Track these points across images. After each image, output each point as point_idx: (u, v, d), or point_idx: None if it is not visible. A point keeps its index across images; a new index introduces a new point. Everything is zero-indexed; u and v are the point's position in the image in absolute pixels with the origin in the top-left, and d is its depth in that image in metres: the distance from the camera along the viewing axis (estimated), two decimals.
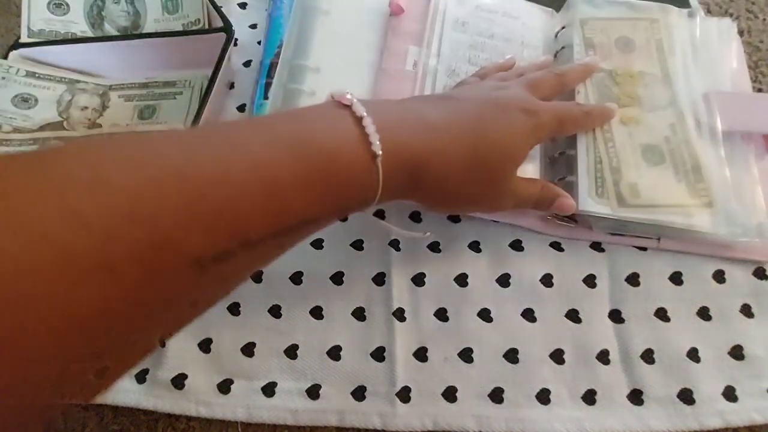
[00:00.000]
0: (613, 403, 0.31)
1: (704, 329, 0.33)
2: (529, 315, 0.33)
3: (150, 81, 0.43)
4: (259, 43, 0.43)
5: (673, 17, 0.39)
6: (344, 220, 0.36)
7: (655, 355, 0.32)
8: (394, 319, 0.33)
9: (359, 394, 0.32)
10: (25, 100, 0.42)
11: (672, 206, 0.33)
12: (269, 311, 0.34)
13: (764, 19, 0.45)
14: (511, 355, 0.32)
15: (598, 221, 0.33)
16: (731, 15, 0.45)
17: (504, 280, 0.34)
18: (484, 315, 0.33)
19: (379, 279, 0.34)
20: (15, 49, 0.42)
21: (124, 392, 0.32)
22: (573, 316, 0.33)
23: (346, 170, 0.22)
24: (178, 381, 0.32)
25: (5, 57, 0.42)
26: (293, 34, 0.38)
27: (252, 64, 0.43)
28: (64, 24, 0.44)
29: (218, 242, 0.18)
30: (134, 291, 0.16)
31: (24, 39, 0.43)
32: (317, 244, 0.36)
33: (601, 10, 0.39)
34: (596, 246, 0.35)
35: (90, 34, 0.44)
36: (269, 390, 0.32)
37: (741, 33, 0.43)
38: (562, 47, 0.39)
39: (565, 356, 0.32)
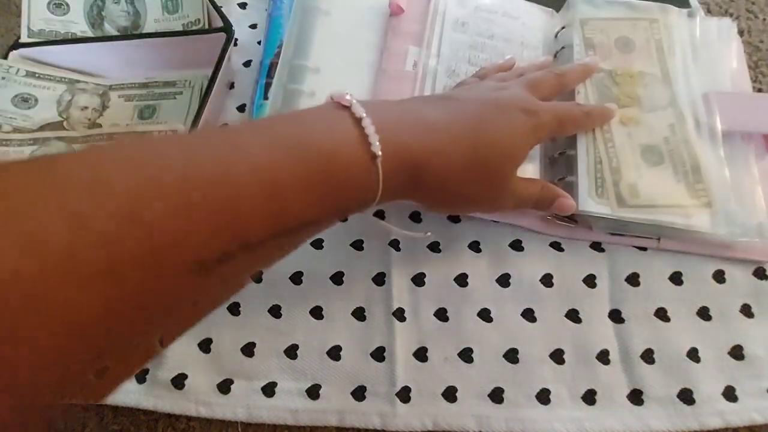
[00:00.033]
0: (613, 403, 0.31)
1: (704, 329, 0.33)
2: (529, 315, 0.33)
3: (150, 81, 0.43)
4: (259, 43, 0.43)
5: (673, 17, 0.39)
6: (344, 220, 0.36)
7: (655, 355, 0.32)
8: (394, 319, 0.33)
9: (359, 394, 0.32)
10: (25, 100, 0.42)
11: (671, 206, 0.33)
12: (269, 311, 0.34)
13: (764, 19, 0.45)
14: (511, 355, 0.32)
15: (598, 221, 0.33)
16: (731, 15, 0.45)
17: (504, 280, 0.34)
18: (484, 315, 0.33)
19: (379, 279, 0.34)
20: (15, 49, 0.42)
21: (124, 392, 0.32)
22: (573, 316, 0.33)
23: (345, 171, 0.22)
24: (178, 381, 0.32)
25: (5, 57, 0.42)
26: (293, 34, 0.38)
27: (252, 64, 0.43)
28: (64, 24, 0.44)
29: (219, 244, 0.18)
30: (135, 292, 0.16)
31: (24, 39, 0.43)
32: (317, 244, 0.36)
33: (601, 10, 0.39)
34: (596, 246, 0.35)
35: (90, 34, 0.44)
36: (269, 390, 0.32)
37: (741, 33, 0.43)
38: (562, 47, 0.39)
39: (565, 356, 0.32)
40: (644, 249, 0.34)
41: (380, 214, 0.36)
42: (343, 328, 0.33)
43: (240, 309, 0.34)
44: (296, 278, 0.35)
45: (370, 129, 0.23)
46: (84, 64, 0.44)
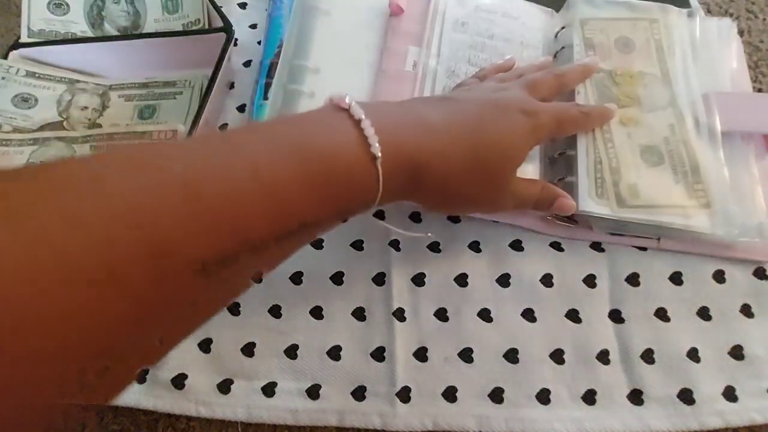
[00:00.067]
0: (613, 403, 0.31)
1: (704, 329, 0.33)
2: (529, 315, 0.33)
3: (150, 81, 0.43)
4: (259, 43, 0.43)
5: (673, 17, 0.39)
6: (344, 220, 0.36)
7: (655, 355, 0.32)
8: (394, 319, 0.33)
9: (359, 394, 0.32)
10: (25, 100, 0.42)
11: (671, 207, 0.33)
12: (269, 311, 0.34)
13: (764, 19, 0.45)
14: (511, 355, 0.32)
15: (597, 221, 0.33)
16: (731, 15, 0.45)
17: (504, 280, 0.34)
18: (484, 315, 0.33)
19: (379, 279, 0.34)
20: (15, 49, 0.42)
21: (124, 392, 0.32)
22: (573, 316, 0.33)
23: (346, 173, 0.22)
24: (178, 381, 0.32)
25: (5, 57, 0.42)
26: (293, 34, 0.38)
27: (252, 64, 0.43)
28: (64, 24, 0.44)
29: (219, 246, 0.18)
30: (135, 294, 0.16)
31: (24, 39, 0.43)
32: (317, 244, 0.36)
33: (601, 10, 0.39)
34: (596, 246, 0.35)
35: (90, 34, 0.44)
36: (269, 390, 0.32)
37: (741, 33, 0.43)
38: (562, 47, 0.39)
39: (565, 356, 0.32)
40: (644, 249, 0.34)
41: (380, 215, 0.36)
42: (343, 328, 0.33)
43: (240, 309, 0.34)
44: (296, 278, 0.35)
45: (369, 130, 0.23)
46: (84, 64, 0.44)
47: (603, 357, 0.32)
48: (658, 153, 0.34)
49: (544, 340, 0.32)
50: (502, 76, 0.35)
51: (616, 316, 0.33)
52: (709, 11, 0.45)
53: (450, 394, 0.31)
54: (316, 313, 0.34)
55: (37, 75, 0.42)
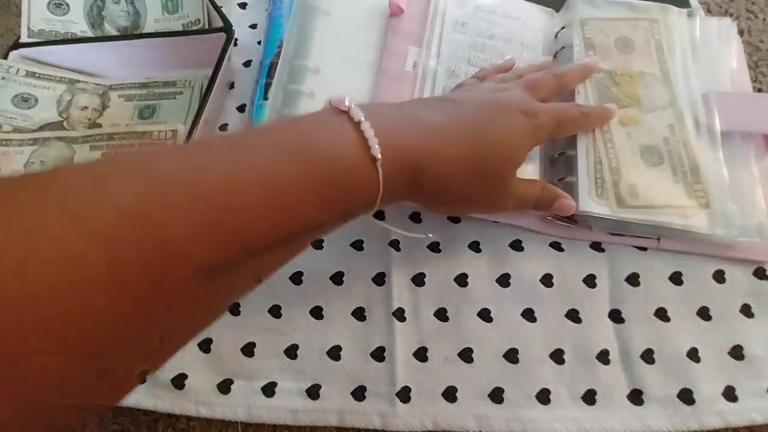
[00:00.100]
0: (613, 403, 0.31)
1: (704, 329, 0.33)
2: (529, 315, 0.33)
3: (150, 81, 0.43)
4: (259, 43, 0.43)
5: (673, 17, 0.39)
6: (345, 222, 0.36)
7: (655, 355, 0.32)
8: (394, 319, 0.33)
9: (359, 394, 0.32)
10: (25, 100, 0.42)
11: (670, 207, 0.33)
12: (269, 311, 0.34)
13: (764, 19, 0.45)
14: (511, 355, 0.32)
15: (597, 221, 0.33)
16: (731, 15, 0.45)
17: (504, 280, 0.34)
18: (484, 315, 0.33)
19: (379, 279, 0.34)
20: (15, 49, 0.42)
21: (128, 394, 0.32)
22: (573, 316, 0.33)
23: (346, 175, 0.22)
24: (178, 381, 0.32)
25: (5, 57, 0.42)
26: (293, 34, 0.38)
27: (252, 64, 0.43)
28: (64, 24, 0.44)
29: (223, 250, 0.18)
30: (138, 297, 0.16)
31: (24, 39, 0.43)
32: (317, 244, 0.36)
33: (601, 10, 0.39)
34: (596, 246, 0.35)
35: (90, 34, 0.44)
36: (269, 390, 0.32)
37: (741, 33, 0.43)
38: (562, 47, 0.39)
39: (565, 356, 0.32)
40: (644, 249, 0.34)
41: (380, 215, 0.36)
42: (343, 328, 0.33)
43: (240, 309, 0.34)
44: (296, 278, 0.35)
45: (369, 132, 0.23)
46: (84, 64, 0.44)
47: (603, 357, 0.32)
48: (658, 153, 0.34)
49: (544, 340, 0.32)
50: (502, 76, 0.35)
51: (616, 316, 0.33)
52: (709, 11, 0.45)
53: (450, 394, 0.31)
54: (316, 313, 0.34)
55: (37, 75, 0.42)
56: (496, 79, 0.34)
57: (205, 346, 0.33)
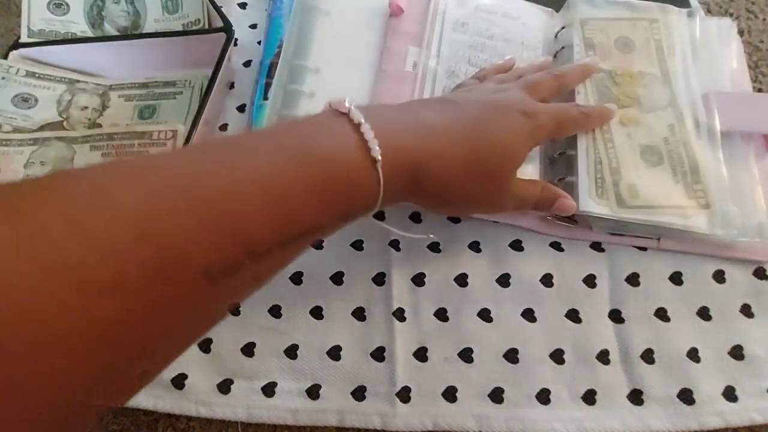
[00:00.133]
0: (613, 403, 0.31)
1: (704, 329, 0.33)
2: (529, 315, 0.33)
3: (150, 81, 0.43)
4: (259, 43, 0.43)
5: (673, 17, 0.39)
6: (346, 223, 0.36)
7: (655, 355, 0.32)
8: (394, 319, 0.33)
9: (359, 394, 0.32)
10: (25, 100, 0.42)
11: (670, 207, 0.33)
12: (269, 311, 0.34)
13: (764, 19, 0.45)
14: (511, 355, 0.32)
15: (597, 221, 0.33)
16: (731, 15, 0.45)
17: (504, 280, 0.34)
18: (484, 315, 0.33)
19: (379, 279, 0.34)
20: (15, 49, 0.42)
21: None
22: (573, 316, 0.33)
23: (347, 177, 0.22)
24: (178, 381, 0.32)
25: (5, 57, 0.42)
26: (293, 34, 0.38)
27: (252, 64, 0.43)
28: (64, 24, 0.44)
29: (226, 255, 0.18)
30: (144, 304, 0.16)
31: (24, 39, 0.43)
32: (317, 244, 0.36)
33: (601, 10, 0.39)
34: (596, 246, 0.35)
35: (90, 34, 0.44)
36: (269, 390, 0.32)
37: (741, 33, 0.43)
38: (562, 47, 0.39)
39: (565, 356, 0.32)
40: (644, 249, 0.34)
41: (380, 215, 0.36)
42: (343, 328, 0.33)
43: (240, 309, 0.34)
44: (296, 278, 0.35)
45: (369, 134, 0.23)
46: (84, 64, 0.44)
47: (603, 357, 0.32)
48: (658, 153, 0.34)
49: (544, 340, 0.32)
50: (502, 76, 0.35)
51: (616, 316, 0.33)
52: (709, 11, 0.45)
53: (450, 394, 0.31)
54: (316, 313, 0.34)
55: (37, 75, 0.42)
56: (495, 79, 0.34)
57: (205, 346, 0.33)
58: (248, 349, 0.33)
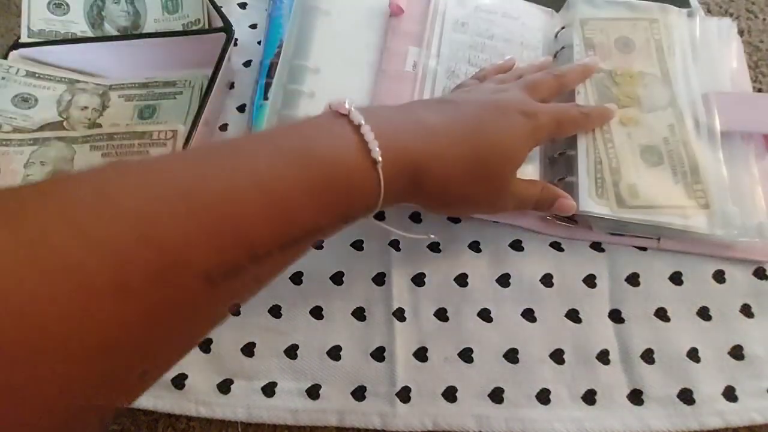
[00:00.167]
0: (613, 403, 0.31)
1: (704, 329, 0.33)
2: (529, 315, 0.33)
3: (150, 81, 0.43)
4: (259, 43, 0.43)
5: (673, 17, 0.39)
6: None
7: (655, 355, 0.32)
8: (394, 319, 0.33)
9: (359, 394, 0.32)
10: (25, 100, 0.42)
11: (670, 207, 0.33)
12: (269, 311, 0.34)
13: (764, 19, 0.45)
14: (511, 355, 0.32)
15: (597, 221, 0.33)
16: (731, 15, 0.45)
17: (504, 280, 0.34)
18: (484, 315, 0.33)
19: (379, 279, 0.34)
20: (15, 49, 0.42)
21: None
22: (573, 316, 0.33)
23: (347, 178, 0.22)
24: (178, 381, 0.32)
25: (5, 57, 0.42)
26: (293, 34, 0.38)
27: (252, 64, 0.43)
28: (64, 24, 0.44)
29: (227, 257, 0.18)
30: (146, 307, 0.16)
31: (24, 39, 0.43)
32: (317, 245, 0.35)
33: (601, 10, 0.39)
34: (596, 246, 0.35)
35: (90, 34, 0.44)
36: (269, 390, 0.32)
37: (741, 33, 0.43)
38: (562, 47, 0.39)
39: (565, 356, 0.32)
40: (644, 249, 0.34)
41: (380, 216, 0.36)
42: (343, 328, 0.33)
43: (240, 309, 0.34)
44: (296, 278, 0.35)
45: (369, 135, 0.23)
46: (84, 64, 0.44)
47: (603, 357, 0.32)
48: (658, 153, 0.34)
49: (544, 340, 0.32)
50: (502, 77, 0.35)
51: (616, 316, 0.33)
52: (709, 11, 0.45)
53: (450, 394, 0.31)
54: (316, 313, 0.34)
55: (37, 75, 0.42)
56: (495, 79, 0.34)
57: (205, 346, 0.33)
58: (248, 349, 0.33)
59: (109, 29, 0.44)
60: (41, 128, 0.41)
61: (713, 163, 0.34)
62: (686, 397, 0.31)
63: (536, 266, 0.34)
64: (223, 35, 0.40)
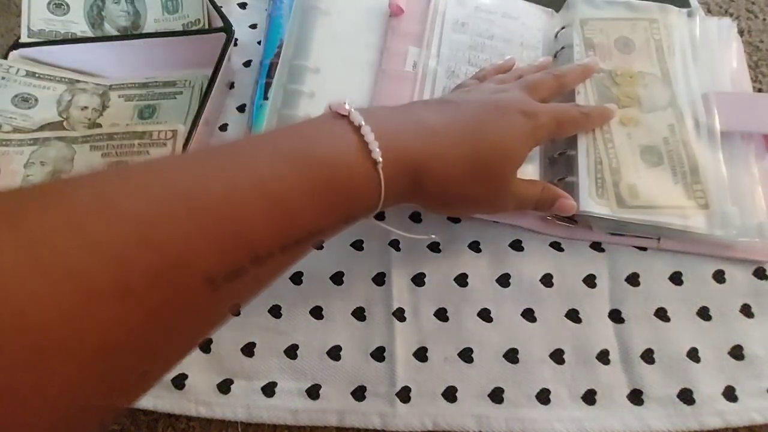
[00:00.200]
0: (613, 403, 0.31)
1: (704, 329, 0.33)
2: (529, 315, 0.33)
3: (150, 81, 0.43)
4: (259, 43, 0.43)
5: (673, 17, 0.39)
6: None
7: (655, 355, 0.32)
8: (394, 319, 0.33)
9: (359, 394, 0.32)
10: (25, 100, 0.42)
11: (669, 207, 0.33)
12: (269, 311, 0.34)
13: (764, 19, 0.45)
14: (511, 355, 0.32)
15: (597, 221, 0.33)
16: (731, 15, 0.45)
17: (504, 280, 0.34)
18: (484, 315, 0.33)
19: (379, 279, 0.34)
20: (15, 49, 0.42)
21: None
22: (573, 316, 0.33)
23: (348, 179, 0.22)
24: (178, 381, 0.32)
25: (5, 57, 0.42)
26: (293, 34, 0.38)
27: (252, 64, 0.43)
28: (64, 24, 0.44)
29: (229, 260, 0.18)
30: (149, 311, 0.16)
31: (24, 39, 0.43)
32: (317, 244, 0.35)
33: (600, 11, 0.39)
34: (596, 246, 0.35)
35: (90, 34, 0.44)
36: (269, 390, 0.32)
37: (741, 33, 0.43)
38: (562, 47, 0.39)
39: (565, 356, 0.32)
40: (644, 249, 0.34)
41: (380, 215, 0.36)
42: (343, 328, 0.33)
43: (240, 309, 0.34)
44: (296, 278, 0.35)
45: (369, 136, 0.23)
46: (84, 64, 0.44)
47: (603, 357, 0.32)
48: (658, 153, 0.34)
49: (544, 340, 0.32)
50: (502, 77, 0.35)
51: (616, 316, 0.33)
52: (709, 11, 0.45)
53: (450, 394, 0.31)
54: (316, 313, 0.34)
55: (37, 75, 0.42)
56: (495, 79, 0.34)
57: (205, 346, 0.33)
58: (248, 349, 0.33)
59: (109, 29, 0.44)
60: (41, 128, 0.41)
61: (713, 163, 0.34)
62: (686, 397, 0.31)
63: (536, 266, 0.34)
64: (223, 35, 0.40)
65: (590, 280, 0.34)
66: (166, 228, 0.17)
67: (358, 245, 0.36)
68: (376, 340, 0.33)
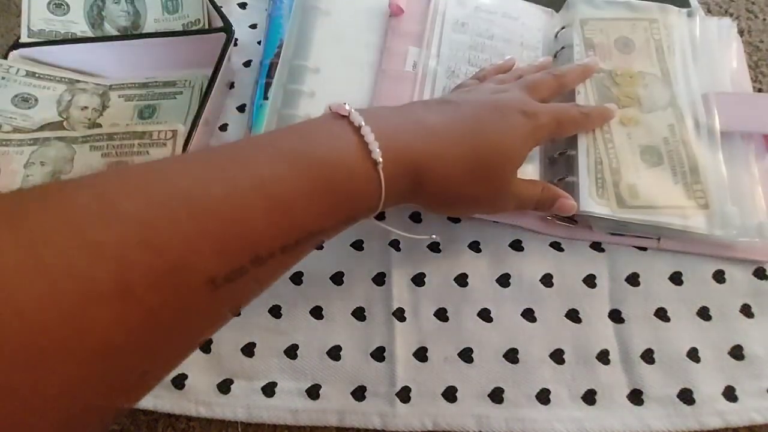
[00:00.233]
0: (613, 403, 0.31)
1: (704, 329, 0.33)
2: (529, 315, 0.33)
3: (150, 81, 0.43)
4: (259, 43, 0.43)
5: (673, 17, 0.39)
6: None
7: (655, 355, 0.32)
8: (394, 319, 0.33)
9: (359, 394, 0.32)
10: (25, 100, 0.42)
11: (669, 208, 0.33)
12: (269, 311, 0.34)
13: (764, 19, 0.45)
14: (511, 355, 0.32)
15: (597, 221, 0.33)
16: (731, 15, 0.45)
17: (504, 280, 0.34)
18: (484, 315, 0.33)
19: (379, 279, 0.34)
20: (15, 49, 0.42)
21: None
22: (573, 316, 0.33)
23: (348, 180, 0.22)
24: (178, 381, 0.32)
25: (5, 57, 0.42)
26: (293, 34, 0.38)
27: (252, 64, 0.43)
28: (64, 24, 0.44)
29: (230, 261, 0.18)
30: (150, 312, 0.16)
31: (24, 39, 0.43)
32: (318, 245, 0.35)
33: (600, 11, 0.40)
34: (596, 246, 0.35)
35: (90, 34, 0.44)
36: (269, 390, 0.32)
37: (741, 33, 0.43)
38: (562, 47, 0.39)
39: (565, 356, 0.32)
40: (644, 249, 0.34)
41: (380, 215, 0.36)
42: (343, 328, 0.33)
43: (240, 310, 0.34)
44: (296, 278, 0.35)
45: (369, 137, 0.23)
46: (84, 64, 0.44)
47: (603, 357, 0.32)
48: (658, 153, 0.34)
49: (544, 340, 0.32)
50: (502, 77, 0.35)
51: (616, 316, 0.33)
52: (709, 11, 0.45)
53: (450, 394, 0.31)
54: (316, 313, 0.34)
55: (37, 75, 0.42)
56: (495, 79, 0.34)
57: (206, 346, 0.33)
58: (248, 349, 0.33)
59: (109, 29, 0.44)
60: (41, 128, 0.41)
61: (713, 163, 0.34)
62: (686, 397, 0.31)
63: (536, 266, 0.34)
64: (223, 35, 0.40)
65: (590, 280, 0.34)
66: (167, 229, 0.17)
67: (358, 245, 0.36)
68: (376, 340, 0.33)
